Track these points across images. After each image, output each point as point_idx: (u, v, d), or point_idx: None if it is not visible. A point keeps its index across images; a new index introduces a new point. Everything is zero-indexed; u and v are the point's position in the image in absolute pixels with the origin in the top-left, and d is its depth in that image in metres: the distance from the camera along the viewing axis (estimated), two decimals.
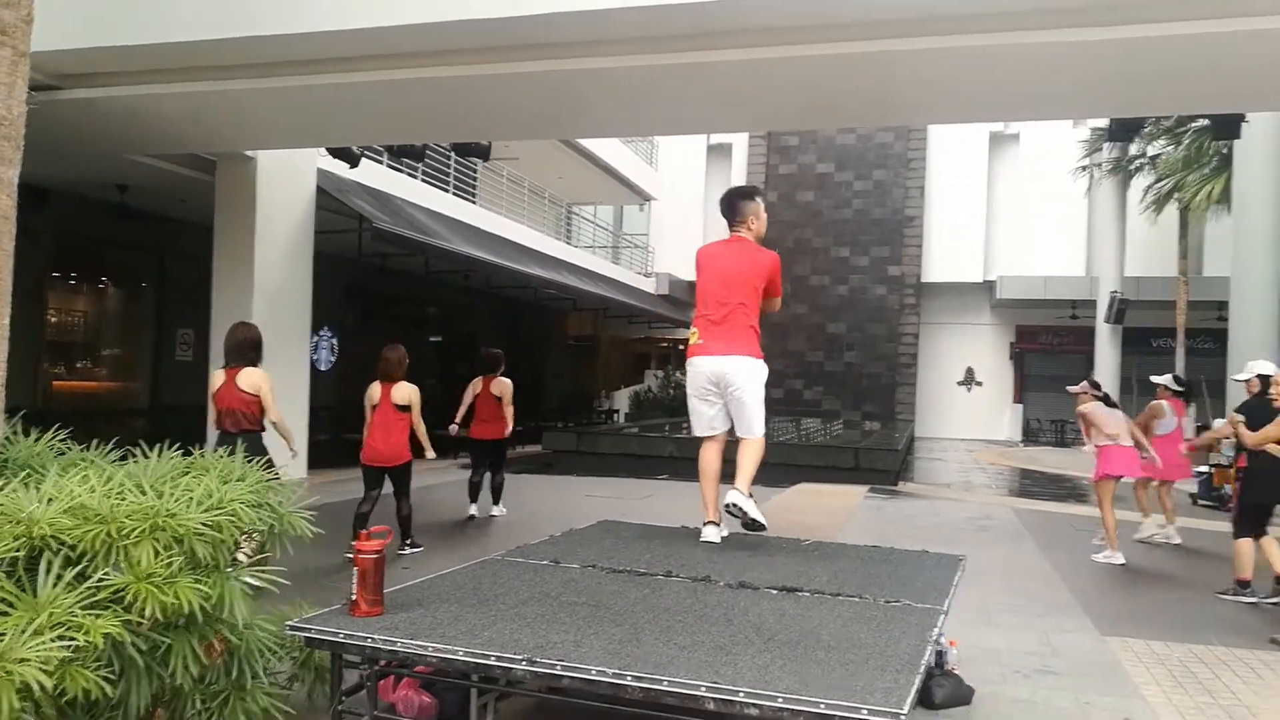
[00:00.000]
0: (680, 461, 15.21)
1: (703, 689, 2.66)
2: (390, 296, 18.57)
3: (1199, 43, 6.46)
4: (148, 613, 2.72)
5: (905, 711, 2.47)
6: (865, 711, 2.49)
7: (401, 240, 12.84)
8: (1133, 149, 21.67)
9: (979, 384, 29.82)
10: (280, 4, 7.30)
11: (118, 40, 7.70)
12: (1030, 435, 28.91)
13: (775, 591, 3.83)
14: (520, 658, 2.89)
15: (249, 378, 6.35)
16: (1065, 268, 26.85)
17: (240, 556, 3.22)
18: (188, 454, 3.63)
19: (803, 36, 6.83)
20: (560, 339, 26.61)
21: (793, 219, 28.63)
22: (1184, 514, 12.07)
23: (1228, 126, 8.57)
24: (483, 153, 10.21)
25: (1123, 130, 8.74)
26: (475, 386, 9.57)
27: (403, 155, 10.86)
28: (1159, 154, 20.53)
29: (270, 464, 4.68)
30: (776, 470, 15.05)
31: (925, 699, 4.44)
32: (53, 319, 13.37)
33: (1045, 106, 9.12)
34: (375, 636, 3.07)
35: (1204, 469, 13.08)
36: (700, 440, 5.20)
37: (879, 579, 4.13)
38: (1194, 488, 13.31)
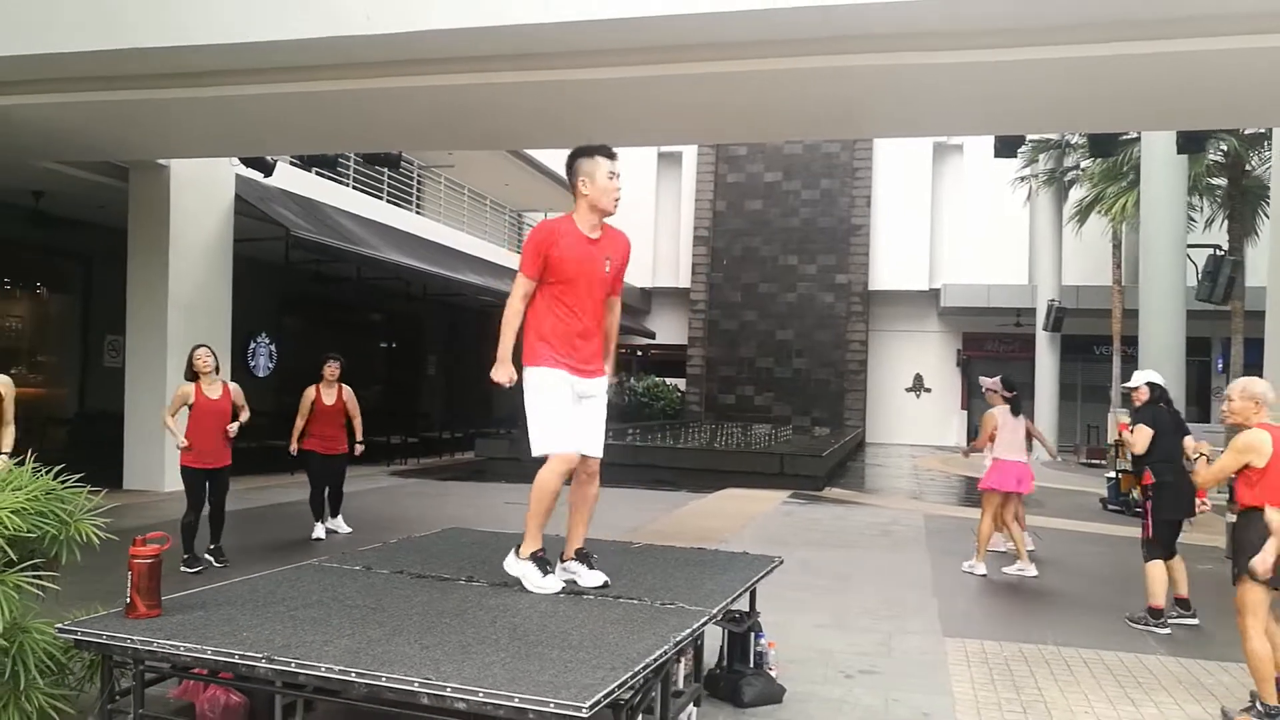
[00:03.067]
0: (610, 467, 15.36)
1: (415, 684, 2.82)
2: (332, 303, 18.61)
3: (1104, 65, 6.73)
4: None
5: (586, 706, 2.63)
6: (552, 705, 2.65)
7: (322, 248, 12.92)
8: (1067, 161, 22.11)
9: (928, 390, 30.18)
10: (156, 14, 7.32)
11: (6, 50, 7.77)
12: None
13: (563, 595, 3.99)
14: (260, 656, 3.04)
15: None
16: (1008, 276, 27.27)
17: None
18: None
19: (756, 51, 6.94)
20: None
21: (742, 227, 28.93)
22: (1093, 519, 12.40)
23: (1102, 146, 8.85)
24: (392, 162, 10.34)
25: (1006, 148, 8.98)
26: (309, 395, 8.77)
27: (313, 164, 10.94)
28: (1087, 166, 20.95)
29: None
30: (705, 476, 15.28)
31: (735, 697, 4.62)
32: None
33: (969, 123, 9.21)
34: (134, 638, 3.20)
35: (1111, 475, 13.41)
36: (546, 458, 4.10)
37: (674, 581, 4.30)
38: (1103, 492, 13.64)
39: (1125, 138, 18.73)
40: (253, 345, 16.01)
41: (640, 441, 18.75)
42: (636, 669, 3.00)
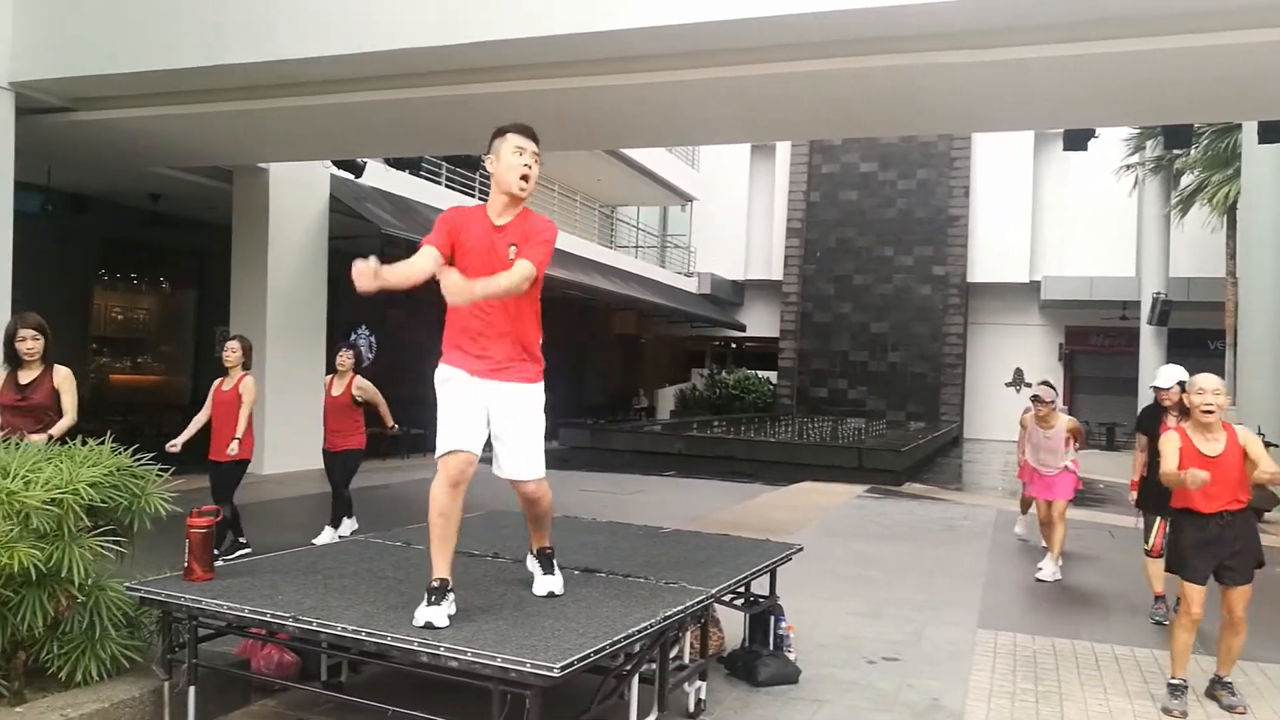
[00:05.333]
0: (688, 459, 15.66)
1: (415, 644, 3.17)
2: (428, 298, 19.36)
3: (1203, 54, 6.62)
4: None
5: (557, 667, 2.93)
6: (528, 665, 2.97)
7: (412, 245, 13.52)
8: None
9: (1028, 385, 29.32)
10: (257, 30, 7.94)
11: (119, 68, 8.51)
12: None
13: (577, 572, 4.31)
14: (287, 615, 3.44)
15: None
16: (1113, 268, 26.37)
17: None
18: None
19: (840, 50, 7.08)
20: (602, 338, 27.24)
21: (836, 218, 28.72)
22: None
23: (1178, 137, 8.67)
24: (471, 164, 10.82)
25: (1075, 141, 8.84)
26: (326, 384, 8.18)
27: (396, 166, 11.53)
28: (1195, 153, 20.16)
29: None
30: (784, 469, 15.42)
31: (750, 676, 4.87)
32: (99, 315, 14.49)
33: (1068, 115, 8.95)
34: (185, 597, 3.66)
35: None
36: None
37: (684, 564, 4.56)
38: None
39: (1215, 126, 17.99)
40: (354, 336, 16.88)
41: (722, 433, 18.97)
42: (616, 639, 3.29)
